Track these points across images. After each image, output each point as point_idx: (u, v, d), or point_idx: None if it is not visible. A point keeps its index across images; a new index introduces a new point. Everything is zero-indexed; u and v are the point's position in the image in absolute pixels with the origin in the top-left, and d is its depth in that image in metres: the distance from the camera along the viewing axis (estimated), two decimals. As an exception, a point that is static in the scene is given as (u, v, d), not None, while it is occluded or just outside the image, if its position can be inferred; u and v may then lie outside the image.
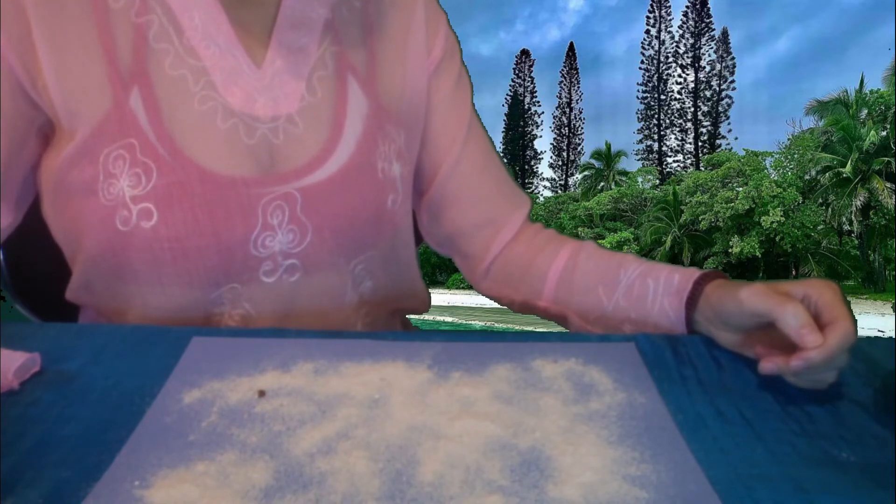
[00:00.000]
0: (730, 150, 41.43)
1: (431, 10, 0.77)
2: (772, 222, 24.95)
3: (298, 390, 0.50)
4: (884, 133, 25.68)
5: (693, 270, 0.66)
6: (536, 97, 58.63)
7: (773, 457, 0.44)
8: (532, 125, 58.70)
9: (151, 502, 0.39)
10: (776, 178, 27.24)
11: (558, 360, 0.55)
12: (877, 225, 25.29)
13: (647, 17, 53.63)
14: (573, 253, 0.76)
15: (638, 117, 54.79)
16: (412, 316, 0.87)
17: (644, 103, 54.79)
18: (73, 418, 0.46)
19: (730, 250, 26.49)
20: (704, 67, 52.80)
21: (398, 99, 0.73)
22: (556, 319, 0.78)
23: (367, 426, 0.46)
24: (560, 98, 58.35)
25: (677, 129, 53.58)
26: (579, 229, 31.46)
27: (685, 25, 53.02)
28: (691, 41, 52.90)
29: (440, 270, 35.74)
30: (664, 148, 53.74)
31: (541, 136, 59.77)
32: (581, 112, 57.66)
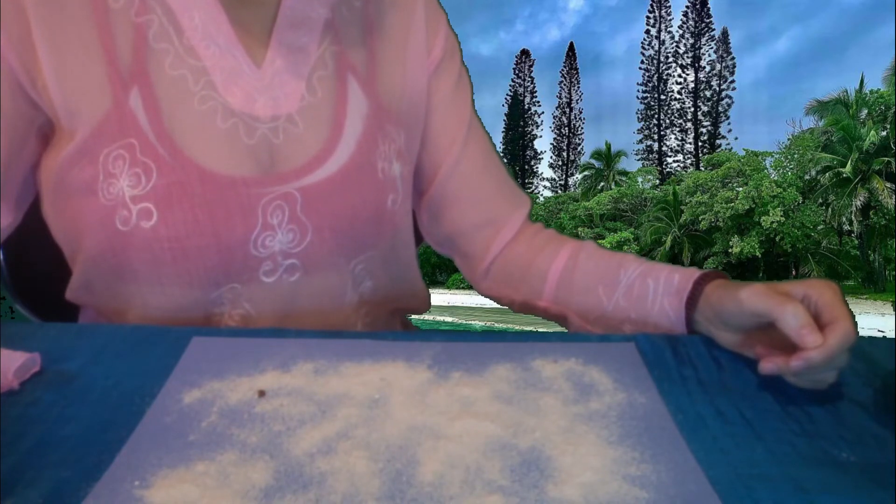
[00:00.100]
0: (730, 150, 41.43)
1: (431, 9, 0.77)
2: (772, 222, 24.95)
3: (298, 390, 0.50)
4: (884, 133, 25.68)
5: (693, 270, 0.66)
6: (536, 97, 58.65)
7: (773, 457, 0.44)
8: (532, 125, 58.70)
9: (151, 502, 0.39)
10: (776, 178, 27.24)
11: (558, 360, 0.55)
12: (877, 225, 25.29)
13: (647, 17, 53.66)
14: (573, 253, 0.76)
15: (638, 117, 54.84)
16: (412, 316, 0.87)
17: (644, 103, 54.79)
18: (73, 418, 0.46)
19: (730, 250, 26.49)
20: (704, 67, 52.84)
21: (398, 99, 0.73)
22: (556, 319, 0.78)
23: (367, 426, 0.46)
24: (560, 98, 58.37)
25: (677, 129, 53.58)
26: (579, 229, 31.46)
27: (685, 25, 53.02)
28: (691, 41, 52.92)
29: (440, 270, 35.74)
30: (664, 148, 53.74)
31: (541, 136, 59.79)
32: (581, 112, 57.70)
